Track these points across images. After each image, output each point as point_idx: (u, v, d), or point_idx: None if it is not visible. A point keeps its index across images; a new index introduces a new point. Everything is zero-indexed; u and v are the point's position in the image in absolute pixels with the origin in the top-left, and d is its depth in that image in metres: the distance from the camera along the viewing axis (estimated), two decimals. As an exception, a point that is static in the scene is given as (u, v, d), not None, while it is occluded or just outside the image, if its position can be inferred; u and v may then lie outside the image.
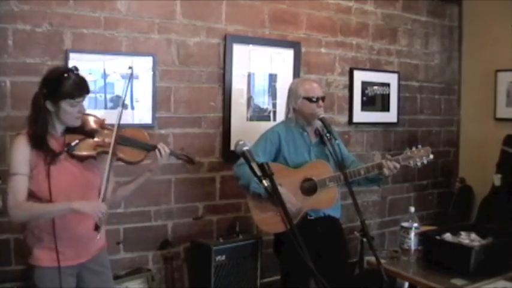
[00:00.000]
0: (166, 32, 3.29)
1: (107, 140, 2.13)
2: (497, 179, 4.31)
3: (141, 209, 3.26)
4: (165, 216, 3.36)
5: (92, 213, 1.97)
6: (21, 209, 1.99)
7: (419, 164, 2.73)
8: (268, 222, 2.72)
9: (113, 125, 2.15)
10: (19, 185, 2.00)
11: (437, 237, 2.81)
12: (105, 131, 2.17)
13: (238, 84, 3.59)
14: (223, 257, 3.19)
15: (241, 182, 2.76)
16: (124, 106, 2.21)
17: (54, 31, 2.92)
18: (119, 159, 2.18)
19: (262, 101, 3.72)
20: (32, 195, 2.07)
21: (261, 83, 3.71)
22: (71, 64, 2.90)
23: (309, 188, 2.75)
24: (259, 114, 3.70)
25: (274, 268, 3.20)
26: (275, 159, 2.81)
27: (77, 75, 2.06)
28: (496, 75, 4.60)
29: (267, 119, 3.71)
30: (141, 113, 3.21)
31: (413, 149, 2.74)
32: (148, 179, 2.32)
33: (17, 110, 2.84)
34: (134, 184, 2.33)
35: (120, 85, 3.13)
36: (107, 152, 2.09)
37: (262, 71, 3.71)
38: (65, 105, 2.03)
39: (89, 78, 2.95)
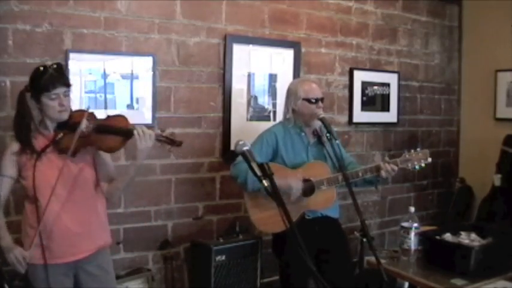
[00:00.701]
0: (166, 32, 3.29)
1: (84, 128, 2.11)
2: (497, 179, 4.31)
3: (141, 209, 3.26)
4: (165, 216, 3.36)
5: (8, 260, 2.06)
6: None
7: (417, 167, 2.74)
8: (266, 222, 2.72)
9: (99, 119, 2.17)
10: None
11: (437, 237, 2.81)
12: (87, 123, 2.14)
13: (238, 84, 3.59)
14: (223, 257, 3.19)
15: (239, 180, 2.74)
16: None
17: (54, 31, 2.91)
18: (99, 148, 2.18)
19: (262, 101, 3.71)
20: (27, 197, 2.12)
21: (261, 83, 3.71)
22: (71, 64, 2.93)
23: (307, 188, 2.75)
24: (259, 114, 3.70)
25: (274, 268, 3.20)
26: (273, 160, 2.80)
27: (55, 69, 2.09)
28: (496, 75, 4.60)
29: (267, 119, 3.71)
30: (141, 113, 3.21)
31: (412, 151, 2.74)
32: (136, 167, 2.20)
33: (17, 110, 2.84)
34: (126, 176, 2.25)
35: (121, 85, 3.14)
36: (86, 143, 2.11)
37: (262, 71, 3.71)
38: (45, 99, 2.07)
39: (89, 78, 3.01)
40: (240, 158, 2.56)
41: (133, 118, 3.14)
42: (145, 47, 3.22)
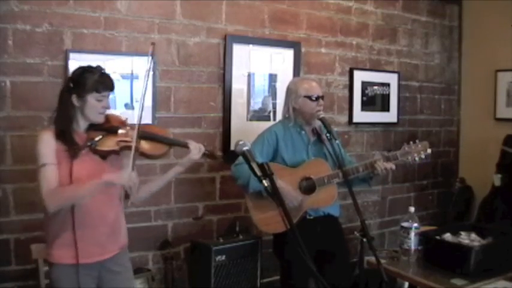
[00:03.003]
0: (166, 32, 3.29)
1: (129, 135, 2.13)
2: (497, 179, 4.31)
3: (141, 209, 3.26)
4: (165, 216, 3.36)
5: (125, 183, 1.98)
6: (54, 194, 2.00)
7: (417, 159, 2.73)
8: (267, 222, 2.72)
9: (134, 125, 2.17)
10: (49, 174, 2.03)
11: (437, 237, 2.81)
12: (127, 128, 2.18)
13: (238, 84, 3.59)
14: (223, 257, 3.19)
15: (240, 182, 2.75)
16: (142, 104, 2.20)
17: (54, 31, 2.91)
18: (141, 153, 2.17)
19: (263, 101, 3.72)
20: None
21: (261, 83, 3.71)
22: (71, 64, 2.92)
23: (308, 186, 2.75)
24: (259, 114, 3.70)
25: (274, 268, 3.20)
26: (273, 159, 2.81)
27: (104, 72, 2.14)
28: (496, 75, 4.60)
29: (267, 119, 3.71)
30: (142, 113, 3.20)
31: (411, 144, 2.74)
32: (177, 174, 2.32)
33: (16, 110, 2.84)
34: (162, 179, 2.33)
35: (120, 85, 3.13)
36: (129, 147, 2.10)
37: (262, 71, 3.71)
38: (90, 98, 2.08)
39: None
40: (241, 159, 2.56)
41: (133, 118, 3.17)
42: (145, 47, 3.21)
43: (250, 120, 3.66)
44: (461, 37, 4.95)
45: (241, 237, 3.36)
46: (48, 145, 2.06)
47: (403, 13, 4.51)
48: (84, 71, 2.11)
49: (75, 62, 2.94)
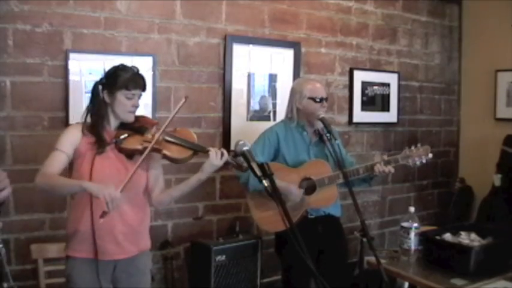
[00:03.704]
0: (166, 32, 3.29)
1: (155, 137, 2.13)
2: (497, 179, 4.31)
3: (141, 209, 3.25)
4: (165, 216, 3.36)
5: (100, 195, 1.87)
6: (44, 176, 2.01)
7: (418, 163, 2.74)
8: (268, 221, 2.72)
9: (169, 130, 2.18)
10: (55, 158, 2.05)
11: (437, 237, 2.80)
12: (155, 130, 2.19)
13: (238, 84, 3.59)
14: (223, 257, 3.19)
15: (241, 181, 2.76)
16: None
17: (54, 31, 2.92)
18: (164, 156, 2.17)
19: (260, 101, 3.72)
20: (75, 193, 2.12)
21: (261, 83, 3.71)
22: (71, 64, 2.93)
23: (308, 187, 2.76)
24: (259, 114, 3.70)
25: (274, 268, 3.20)
26: (274, 159, 2.81)
27: (136, 71, 2.16)
28: (496, 75, 4.60)
29: (267, 119, 3.71)
30: (141, 113, 3.20)
31: (412, 148, 2.75)
32: (199, 180, 2.25)
33: (16, 110, 2.84)
34: (185, 184, 2.27)
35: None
36: (153, 149, 2.10)
37: (262, 71, 3.71)
38: (120, 96, 2.11)
39: (89, 78, 3.01)
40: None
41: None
42: (145, 47, 3.22)
43: (250, 120, 3.66)
44: (461, 37, 4.95)
45: (241, 237, 3.36)
46: (70, 137, 2.10)
47: (403, 13, 4.50)
48: (117, 69, 2.15)
49: (75, 62, 2.96)
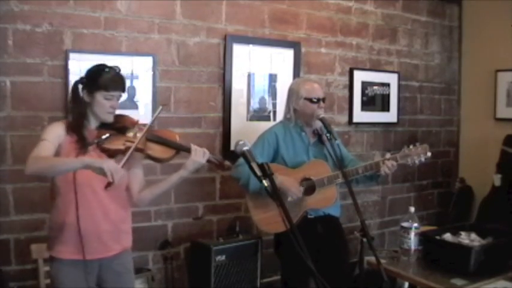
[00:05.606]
0: (166, 32, 3.29)
1: (137, 136, 2.14)
2: (497, 179, 4.31)
3: (141, 209, 3.24)
4: (165, 216, 3.36)
5: (104, 166, 1.89)
6: (37, 159, 1.98)
7: (417, 162, 2.74)
8: (268, 222, 2.73)
9: (145, 125, 2.19)
10: (43, 147, 2.03)
11: (437, 237, 2.81)
12: (137, 129, 2.20)
13: (238, 84, 3.59)
14: (223, 257, 3.19)
15: (241, 182, 2.76)
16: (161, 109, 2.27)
17: (54, 31, 2.91)
18: (147, 155, 2.19)
19: (259, 101, 3.72)
20: (57, 191, 2.12)
21: (261, 83, 3.71)
22: (71, 64, 2.93)
23: (308, 187, 2.76)
24: (259, 114, 3.70)
25: (274, 268, 3.20)
26: (274, 160, 2.81)
27: (117, 72, 2.16)
28: (496, 75, 4.60)
29: (267, 119, 3.71)
30: (141, 113, 3.21)
31: (411, 146, 2.75)
32: (181, 178, 2.25)
33: (17, 110, 2.84)
34: (166, 182, 2.28)
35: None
36: (136, 149, 2.11)
37: (262, 71, 3.71)
38: (99, 96, 2.11)
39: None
40: (241, 160, 2.56)
41: (134, 118, 3.17)
42: (145, 47, 3.22)
43: (250, 120, 3.66)
44: (461, 37, 4.95)
45: (241, 237, 3.36)
46: (56, 130, 2.10)
47: (403, 13, 4.50)
48: (98, 69, 2.15)
49: (75, 62, 2.95)
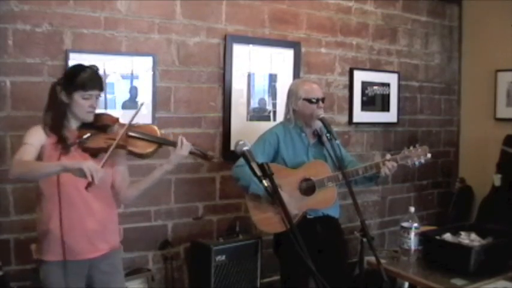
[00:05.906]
0: (166, 32, 3.29)
1: (118, 133, 2.15)
2: (497, 179, 4.31)
3: (141, 209, 3.26)
4: (165, 216, 3.36)
5: (83, 167, 1.86)
6: (21, 163, 1.99)
7: (417, 163, 2.74)
8: (267, 222, 2.73)
9: (125, 124, 2.20)
10: (26, 151, 2.04)
11: (437, 237, 2.81)
12: (117, 127, 2.21)
13: (238, 84, 3.59)
14: (223, 257, 3.19)
15: (241, 183, 2.76)
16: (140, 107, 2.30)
17: (54, 31, 2.91)
18: (129, 151, 2.20)
19: (259, 102, 3.72)
20: (41, 193, 2.13)
21: (261, 83, 3.71)
22: (71, 64, 2.91)
23: (308, 188, 2.76)
24: (259, 114, 3.70)
25: (274, 268, 3.20)
26: (273, 160, 2.81)
27: (95, 72, 2.16)
28: (496, 75, 4.60)
29: (267, 119, 3.71)
30: (141, 112, 3.20)
31: (411, 148, 2.75)
32: (166, 172, 2.29)
33: (17, 110, 2.84)
34: (151, 177, 2.30)
35: (120, 85, 3.13)
36: (118, 146, 2.12)
37: (262, 71, 3.71)
38: (77, 97, 2.11)
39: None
40: (241, 160, 2.56)
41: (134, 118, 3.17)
42: (145, 47, 3.22)
43: (250, 120, 3.65)
44: (461, 37, 4.95)
45: (241, 237, 3.36)
46: (37, 134, 2.10)
47: (403, 13, 4.50)
48: (75, 69, 2.15)
49: (75, 62, 2.93)
